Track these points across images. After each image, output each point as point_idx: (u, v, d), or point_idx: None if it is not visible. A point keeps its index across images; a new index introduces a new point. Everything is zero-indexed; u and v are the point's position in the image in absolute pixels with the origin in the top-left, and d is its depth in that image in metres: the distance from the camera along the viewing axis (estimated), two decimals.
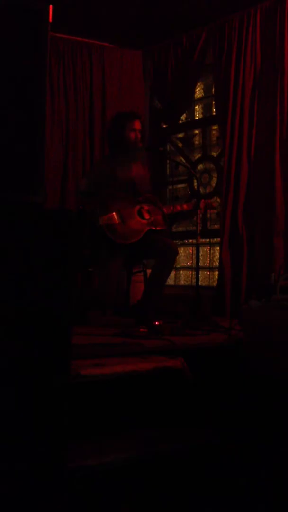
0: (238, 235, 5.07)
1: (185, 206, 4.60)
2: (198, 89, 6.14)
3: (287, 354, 2.94)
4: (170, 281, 6.11)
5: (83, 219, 4.29)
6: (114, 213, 4.26)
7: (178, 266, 6.24)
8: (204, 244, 5.88)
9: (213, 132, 6.06)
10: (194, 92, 6.02)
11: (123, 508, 2.42)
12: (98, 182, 4.38)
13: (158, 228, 4.40)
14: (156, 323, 3.92)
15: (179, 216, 4.84)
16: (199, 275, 4.38)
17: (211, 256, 5.94)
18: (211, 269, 5.91)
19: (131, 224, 4.29)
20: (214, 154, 6.02)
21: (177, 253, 4.41)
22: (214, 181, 5.93)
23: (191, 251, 6.16)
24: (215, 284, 5.51)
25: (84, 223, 4.27)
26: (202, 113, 6.23)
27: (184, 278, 6.24)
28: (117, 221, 4.25)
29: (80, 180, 4.84)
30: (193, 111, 6.27)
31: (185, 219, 5.86)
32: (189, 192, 6.17)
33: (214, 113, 5.85)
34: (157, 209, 4.43)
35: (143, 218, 4.37)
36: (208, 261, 5.95)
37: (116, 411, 2.76)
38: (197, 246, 4.34)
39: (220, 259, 5.24)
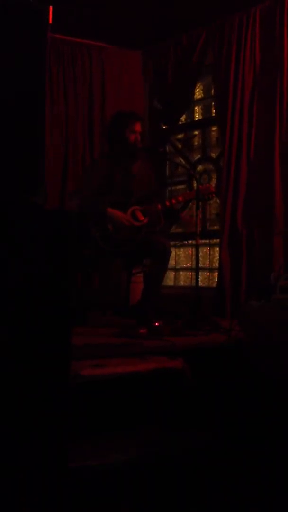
0: (238, 235, 5.07)
1: (180, 199, 4.58)
2: (197, 90, 6.14)
3: (287, 354, 2.94)
4: (170, 281, 6.11)
5: (83, 219, 4.28)
6: (109, 225, 4.26)
7: (178, 267, 6.24)
8: (204, 245, 5.88)
9: (213, 133, 6.05)
10: (193, 93, 6.02)
11: (123, 508, 2.42)
12: (89, 200, 4.32)
13: (153, 228, 4.39)
14: (156, 323, 3.93)
15: (177, 212, 4.81)
16: (199, 276, 4.37)
17: (211, 257, 5.93)
18: (210, 270, 5.90)
19: (125, 231, 4.28)
20: (213, 155, 6.02)
21: (169, 252, 4.40)
22: (213, 182, 5.92)
23: (190, 252, 6.16)
24: (214, 285, 5.50)
25: (84, 224, 4.26)
26: (201, 114, 6.23)
27: (183, 279, 6.24)
28: (111, 229, 4.25)
29: (78, 185, 4.78)
30: (192, 112, 6.27)
31: (181, 212, 5.86)
32: (190, 191, 6.16)
33: (213, 114, 5.85)
34: (152, 207, 4.41)
35: (137, 220, 4.36)
36: (208, 262, 5.95)
37: (116, 412, 2.76)
38: (197, 247, 4.33)
39: (220, 259, 5.23)
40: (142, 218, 4.37)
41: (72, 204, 4.41)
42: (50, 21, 2.19)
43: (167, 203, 4.47)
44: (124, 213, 4.32)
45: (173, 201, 4.52)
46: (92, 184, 4.39)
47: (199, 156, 6.17)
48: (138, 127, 4.48)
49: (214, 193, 4.61)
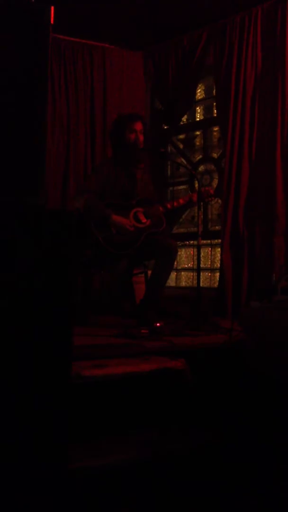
0: (239, 236, 5.07)
1: (181, 201, 4.58)
2: (199, 90, 6.14)
3: (287, 355, 2.94)
4: (171, 282, 6.11)
5: (85, 220, 4.27)
6: (112, 228, 4.26)
7: (179, 268, 6.24)
8: (205, 245, 5.88)
9: (214, 133, 6.06)
10: (195, 93, 6.02)
11: (123, 508, 2.42)
12: (92, 202, 4.31)
13: (156, 230, 4.39)
14: (157, 324, 3.92)
15: (178, 214, 4.81)
16: (200, 276, 4.37)
17: (212, 257, 5.94)
18: (212, 270, 5.91)
19: (128, 234, 4.27)
20: (215, 155, 6.03)
21: (176, 252, 4.40)
22: (215, 182, 5.93)
23: (192, 253, 6.16)
24: (216, 285, 5.50)
25: (86, 224, 4.26)
26: (203, 114, 6.23)
27: (185, 279, 6.24)
28: (114, 231, 4.25)
29: (81, 186, 4.78)
30: (194, 112, 6.28)
31: (182, 214, 5.88)
32: (190, 193, 6.17)
33: (215, 115, 5.86)
34: (154, 209, 4.42)
35: (139, 222, 4.36)
36: (209, 263, 5.95)
37: (117, 412, 2.76)
38: (198, 247, 4.33)
39: (221, 260, 5.24)
40: (144, 220, 4.37)
41: (76, 204, 4.41)
42: (52, 21, 2.19)
43: (168, 206, 4.48)
44: (127, 216, 4.32)
45: (175, 203, 4.53)
46: (95, 185, 4.39)
47: (200, 156, 6.17)
48: (137, 126, 4.47)
49: (214, 196, 4.63)
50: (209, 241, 5.90)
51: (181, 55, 5.77)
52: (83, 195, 4.38)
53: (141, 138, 4.48)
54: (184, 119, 6.28)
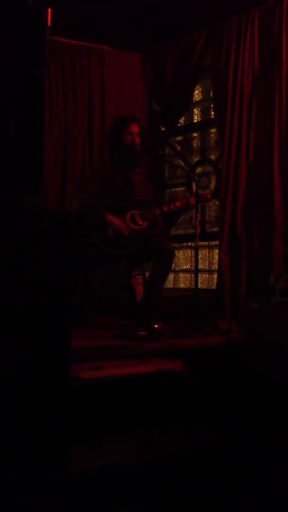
0: (237, 237, 5.08)
1: (178, 204, 4.58)
2: (196, 92, 6.14)
3: (286, 355, 2.94)
4: (169, 283, 6.11)
5: (83, 220, 4.27)
6: (109, 230, 4.26)
7: (177, 269, 6.24)
8: (203, 247, 5.88)
9: (212, 135, 6.06)
10: (192, 95, 6.03)
11: (123, 508, 2.42)
12: (89, 202, 4.31)
13: (152, 232, 4.39)
14: (156, 325, 3.92)
15: (176, 216, 4.81)
16: (198, 278, 4.37)
17: (210, 258, 5.94)
18: (210, 271, 5.91)
19: (125, 236, 4.27)
20: (212, 157, 6.03)
21: (173, 254, 4.41)
22: (212, 184, 5.93)
23: (190, 254, 6.16)
24: (214, 287, 5.50)
25: (84, 225, 4.26)
26: (200, 116, 6.24)
27: (183, 281, 6.24)
28: (110, 233, 4.25)
29: (78, 188, 4.78)
30: (191, 114, 6.28)
31: (179, 217, 5.88)
32: (188, 195, 6.17)
33: (212, 116, 5.86)
34: (151, 211, 4.42)
35: (136, 224, 4.36)
36: (207, 264, 5.95)
37: (116, 414, 2.76)
38: (196, 249, 4.34)
39: (219, 261, 5.24)
40: (141, 222, 4.38)
41: (73, 206, 4.41)
42: (49, 23, 2.20)
43: (165, 208, 4.48)
44: (123, 219, 4.32)
45: (172, 206, 4.54)
46: (93, 186, 4.39)
47: (198, 158, 6.18)
48: (132, 128, 4.48)
49: (211, 200, 4.65)
50: (206, 243, 5.90)
51: (179, 57, 5.77)
52: (79, 197, 4.38)
53: (138, 140, 4.49)
54: (181, 120, 6.28)
